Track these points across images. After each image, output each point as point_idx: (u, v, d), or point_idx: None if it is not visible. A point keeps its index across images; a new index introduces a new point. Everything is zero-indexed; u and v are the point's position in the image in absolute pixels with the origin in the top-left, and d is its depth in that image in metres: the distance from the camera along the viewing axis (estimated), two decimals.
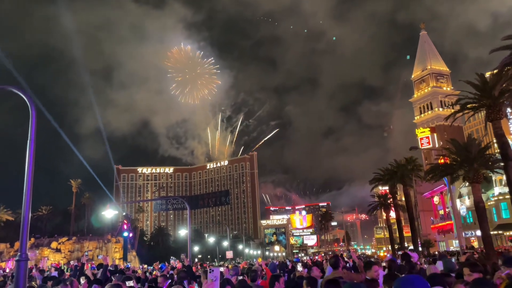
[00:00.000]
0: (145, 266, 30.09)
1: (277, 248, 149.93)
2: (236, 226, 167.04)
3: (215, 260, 72.67)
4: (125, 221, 23.03)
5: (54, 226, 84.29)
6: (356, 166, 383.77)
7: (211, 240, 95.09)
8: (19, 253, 7.03)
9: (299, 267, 8.53)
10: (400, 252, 21.03)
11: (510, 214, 45.13)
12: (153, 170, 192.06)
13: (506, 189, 35.14)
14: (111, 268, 14.70)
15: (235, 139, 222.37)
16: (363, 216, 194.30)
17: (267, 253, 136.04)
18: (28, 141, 7.55)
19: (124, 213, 63.70)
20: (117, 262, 55.26)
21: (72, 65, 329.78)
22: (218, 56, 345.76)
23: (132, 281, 5.97)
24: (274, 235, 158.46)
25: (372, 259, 22.31)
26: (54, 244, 69.56)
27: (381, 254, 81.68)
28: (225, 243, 78.55)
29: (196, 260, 44.88)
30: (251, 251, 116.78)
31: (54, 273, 14.50)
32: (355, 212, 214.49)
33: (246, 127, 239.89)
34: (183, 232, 58.54)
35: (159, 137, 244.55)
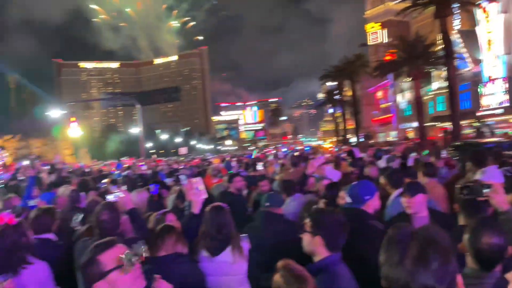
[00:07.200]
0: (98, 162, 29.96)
1: (228, 142, 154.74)
2: (188, 122, 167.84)
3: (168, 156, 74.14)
4: (73, 118, 22.30)
5: None
6: (304, 61, 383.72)
7: (164, 137, 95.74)
8: None
9: (259, 166, 8.53)
10: (344, 147, 22.68)
11: (446, 107, 48.40)
12: (97, 65, 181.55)
13: (445, 84, 37.33)
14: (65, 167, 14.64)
15: (182, 32, 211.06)
16: (311, 111, 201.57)
17: (219, 147, 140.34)
18: None
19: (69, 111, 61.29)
20: (67, 159, 54.88)
21: None
22: None
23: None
24: (226, 130, 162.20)
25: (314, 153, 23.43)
26: None
27: (325, 146, 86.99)
28: (178, 140, 79.67)
29: (153, 156, 45.58)
30: (203, 146, 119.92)
31: (5, 176, 14.26)
32: (303, 108, 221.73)
33: (194, 18, 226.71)
34: (134, 130, 57.96)
35: (98, 28, 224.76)
